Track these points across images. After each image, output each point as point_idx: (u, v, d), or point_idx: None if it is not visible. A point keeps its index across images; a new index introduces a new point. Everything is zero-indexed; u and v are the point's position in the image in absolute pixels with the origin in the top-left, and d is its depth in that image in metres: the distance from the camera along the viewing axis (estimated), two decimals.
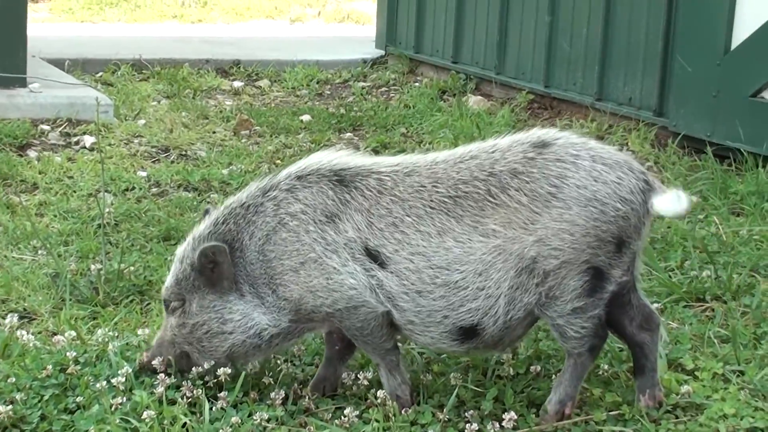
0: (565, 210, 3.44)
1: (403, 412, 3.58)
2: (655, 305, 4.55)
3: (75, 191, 6.32)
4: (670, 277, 4.96)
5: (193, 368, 3.70)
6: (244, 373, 3.70)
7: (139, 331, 4.12)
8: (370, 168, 3.65)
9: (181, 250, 3.72)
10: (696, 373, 3.96)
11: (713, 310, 4.67)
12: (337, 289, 3.52)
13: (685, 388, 3.76)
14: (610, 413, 3.69)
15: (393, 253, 3.51)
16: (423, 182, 3.57)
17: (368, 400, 3.69)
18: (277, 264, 3.57)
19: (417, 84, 10.55)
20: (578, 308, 3.51)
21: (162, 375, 3.65)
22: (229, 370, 3.68)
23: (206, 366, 3.68)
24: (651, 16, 7.99)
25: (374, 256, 3.52)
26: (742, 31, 7.03)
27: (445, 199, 3.52)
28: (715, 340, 4.28)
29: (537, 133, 3.64)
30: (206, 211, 3.81)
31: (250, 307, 3.61)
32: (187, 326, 3.68)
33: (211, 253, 3.56)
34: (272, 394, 3.65)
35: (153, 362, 3.70)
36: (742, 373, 3.97)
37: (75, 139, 7.61)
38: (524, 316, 3.54)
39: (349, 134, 8.46)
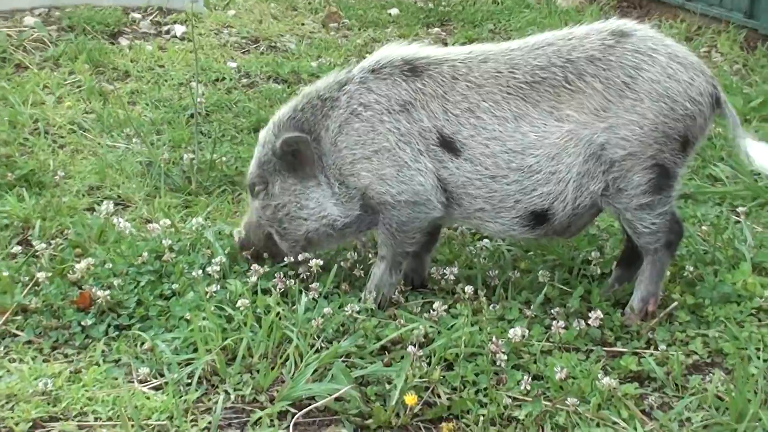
0: (638, 102, 3.45)
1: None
2: (741, 209, 4.52)
3: (166, 80, 6.35)
4: (756, 180, 4.91)
5: (285, 258, 3.78)
6: (336, 266, 3.76)
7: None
8: (443, 57, 3.66)
9: (263, 133, 3.78)
10: None
11: None
12: (406, 181, 3.55)
13: None
14: (694, 314, 3.70)
15: (468, 139, 3.52)
16: (499, 68, 3.57)
17: (456, 295, 3.73)
18: (348, 153, 3.60)
19: None
20: (645, 204, 3.53)
21: (255, 265, 3.72)
22: (321, 262, 3.74)
23: (288, 249, 3.78)
24: None
25: (448, 144, 3.53)
26: None
27: (522, 85, 3.53)
28: None
29: (616, 22, 3.63)
30: None
31: (324, 197, 3.67)
32: (269, 208, 3.75)
33: (294, 143, 3.61)
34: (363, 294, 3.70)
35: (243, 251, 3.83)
36: None
37: (166, 27, 7.60)
38: (590, 204, 3.56)
39: (437, 29, 8.36)
